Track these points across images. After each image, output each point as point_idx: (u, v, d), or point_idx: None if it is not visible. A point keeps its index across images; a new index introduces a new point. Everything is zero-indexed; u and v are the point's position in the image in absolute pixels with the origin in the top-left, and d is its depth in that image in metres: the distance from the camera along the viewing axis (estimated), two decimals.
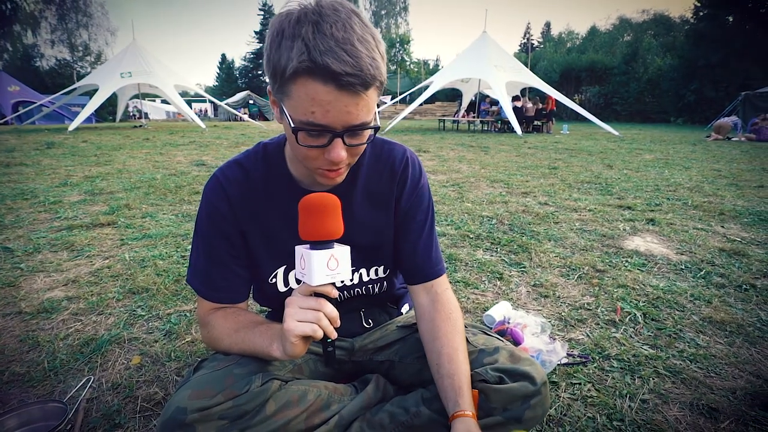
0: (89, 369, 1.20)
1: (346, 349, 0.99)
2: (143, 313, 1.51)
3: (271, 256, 0.87)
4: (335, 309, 0.67)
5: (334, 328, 0.68)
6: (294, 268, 0.88)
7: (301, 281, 0.69)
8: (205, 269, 0.85)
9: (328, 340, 0.68)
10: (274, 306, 1.01)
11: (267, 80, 0.66)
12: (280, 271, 0.88)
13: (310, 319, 0.66)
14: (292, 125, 0.62)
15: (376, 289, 0.97)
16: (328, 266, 0.65)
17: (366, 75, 0.58)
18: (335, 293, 0.68)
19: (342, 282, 0.92)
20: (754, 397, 1.08)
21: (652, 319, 1.48)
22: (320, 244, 0.65)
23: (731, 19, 22.36)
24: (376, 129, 0.67)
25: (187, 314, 1.50)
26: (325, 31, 0.56)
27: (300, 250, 0.68)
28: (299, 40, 0.56)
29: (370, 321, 1.02)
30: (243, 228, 0.83)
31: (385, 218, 0.88)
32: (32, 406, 0.96)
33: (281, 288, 0.90)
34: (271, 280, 0.89)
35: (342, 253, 0.66)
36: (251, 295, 0.95)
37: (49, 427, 0.90)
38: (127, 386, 1.12)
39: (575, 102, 15.03)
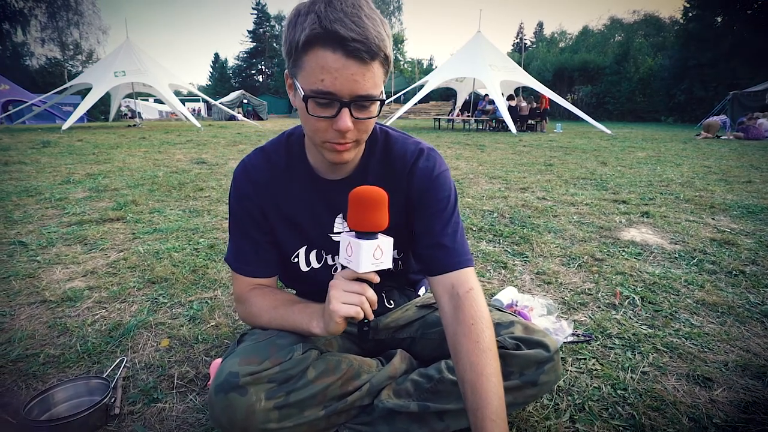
0: (121, 351, 1.26)
1: (371, 327, 1.07)
2: (165, 301, 1.57)
3: (292, 237, 0.93)
4: (375, 294, 0.74)
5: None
6: (314, 249, 0.94)
7: (344, 267, 0.74)
8: (238, 246, 0.92)
9: (365, 321, 0.75)
10: (298, 286, 1.07)
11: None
12: (302, 251, 0.94)
13: (354, 302, 0.72)
14: (303, 94, 0.67)
15: (393, 269, 1.03)
16: (374, 256, 0.70)
17: (371, 43, 0.63)
18: (377, 279, 0.74)
19: None
20: (745, 368, 1.17)
21: (650, 302, 1.58)
22: (367, 234, 0.70)
23: (719, 20, 22.75)
24: (382, 102, 0.71)
25: (209, 301, 1.57)
26: (336, 5, 0.63)
27: (347, 238, 0.72)
28: (312, 14, 0.63)
29: (391, 301, 1.10)
30: (266, 210, 0.90)
31: (394, 207, 0.94)
32: (78, 381, 1.02)
33: (303, 268, 0.96)
34: (294, 260, 0.95)
35: (386, 243, 0.71)
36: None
37: (94, 401, 0.96)
38: (160, 365, 1.19)
39: (568, 101, 15.19)
